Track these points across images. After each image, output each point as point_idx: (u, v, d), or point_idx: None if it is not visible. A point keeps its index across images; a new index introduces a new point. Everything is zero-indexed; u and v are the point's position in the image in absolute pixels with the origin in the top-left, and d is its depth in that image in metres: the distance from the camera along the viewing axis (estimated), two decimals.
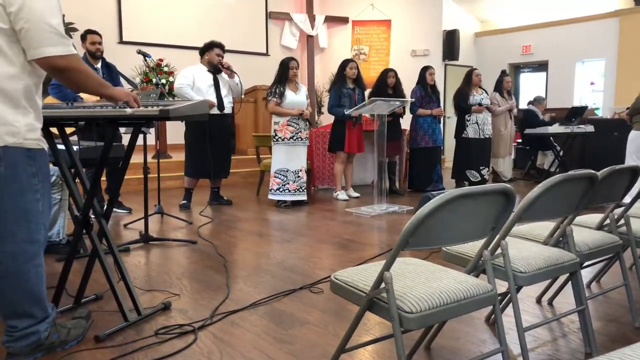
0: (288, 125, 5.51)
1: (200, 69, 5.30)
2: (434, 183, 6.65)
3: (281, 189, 5.56)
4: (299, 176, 5.59)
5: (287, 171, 5.55)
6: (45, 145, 1.98)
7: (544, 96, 8.90)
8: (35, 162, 1.92)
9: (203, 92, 5.19)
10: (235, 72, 5.36)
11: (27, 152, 1.89)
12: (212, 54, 5.27)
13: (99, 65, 4.91)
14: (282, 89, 5.48)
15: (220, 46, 5.33)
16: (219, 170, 5.50)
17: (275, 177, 5.58)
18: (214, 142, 5.28)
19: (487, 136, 7.01)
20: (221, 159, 5.45)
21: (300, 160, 5.63)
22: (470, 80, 6.95)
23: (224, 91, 5.33)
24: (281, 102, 5.48)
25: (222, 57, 5.33)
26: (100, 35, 4.93)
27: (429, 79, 6.60)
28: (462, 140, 6.92)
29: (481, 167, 6.95)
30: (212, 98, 5.20)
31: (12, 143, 1.84)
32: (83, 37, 4.91)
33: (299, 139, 5.57)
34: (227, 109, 5.39)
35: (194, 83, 5.19)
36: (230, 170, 5.70)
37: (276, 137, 5.56)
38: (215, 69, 5.29)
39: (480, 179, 6.90)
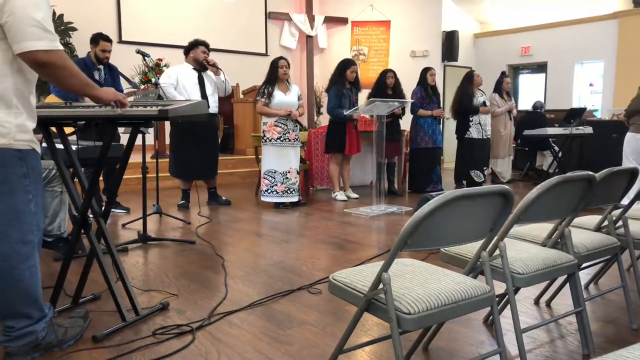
0: (275, 125, 5.45)
1: (185, 68, 5.29)
2: (433, 184, 6.66)
3: (269, 190, 5.52)
4: (287, 177, 5.53)
5: (275, 172, 5.50)
6: (37, 146, 1.95)
7: (542, 100, 8.95)
8: (27, 163, 1.89)
9: (188, 91, 5.17)
10: (220, 69, 5.36)
11: (18, 153, 1.86)
12: (197, 52, 5.26)
13: (101, 66, 4.92)
14: (270, 88, 5.43)
15: (205, 44, 5.33)
16: (204, 170, 5.45)
17: (264, 177, 5.54)
18: (198, 142, 5.25)
19: (487, 136, 7.10)
20: (207, 160, 5.40)
21: (289, 161, 5.54)
22: (472, 82, 6.97)
23: (209, 90, 5.30)
24: (269, 102, 5.43)
25: (208, 54, 5.33)
26: (111, 42, 4.96)
27: (430, 79, 6.61)
28: (466, 141, 6.94)
29: (484, 168, 7.01)
30: (197, 97, 5.14)
31: (1, 144, 1.82)
32: (94, 41, 4.90)
33: (287, 140, 5.49)
34: (213, 109, 5.31)
35: (177, 82, 5.17)
36: (230, 170, 5.69)
37: (264, 138, 5.51)
38: (201, 67, 5.27)
39: (483, 179, 6.96)
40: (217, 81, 5.39)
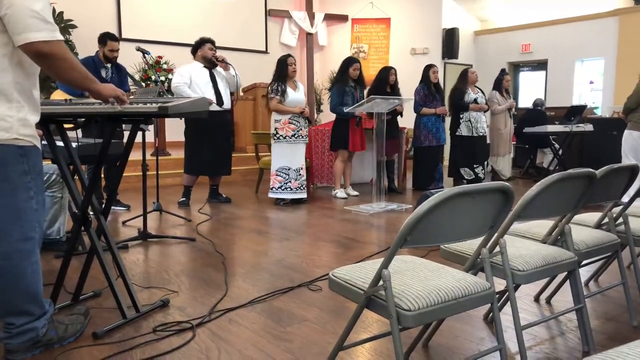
0: (290, 123, 5.49)
1: (196, 66, 5.31)
2: (435, 182, 6.64)
3: (283, 187, 5.55)
4: (300, 174, 5.59)
5: (289, 169, 5.54)
6: (37, 142, 1.94)
7: (542, 98, 8.94)
8: (28, 160, 1.89)
9: (201, 89, 5.20)
10: (230, 64, 5.38)
11: (19, 150, 1.86)
12: (204, 50, 5.29)
13: (109, 65, 4.96)
14: (283, 86, 5.47)
15: (210, 41, 5.36)
16: (219, 167, 5.50)
17: (277, 175, 5.56)
18: (213, 138, 5.28)
19: (480, 134, 6.95)
20: (222, 156, 5.45)
21: (301, 158, 5.63)
22: (465, 79, 6.93)
23: (221, 86, 5.34)
24: (284, 99, 5.47)
25: (215, 51, 5.35)
26: (119, 42, 5.01)
27: (433, 77, 6.58)
28: (456, 138, 6.88)
29: (475, 165, 6.92)
30: (211, 94, 5.20)
31: (3, 140, 1.81)
32: (102, 41, 4.93)
33: (300, 137, 5.56)
34: (226, 104, 5.39)
35: (191, 81, 5.20)
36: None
37: (277, 135, 5.54)
38: (211, 64, 5.31)
39: (474, 177, 6.89)
40: (228, 76, 5.42)
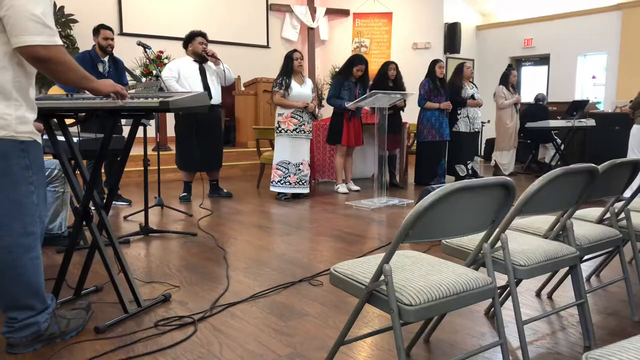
0: (292, 117, 5.49)
1: (186, 61, 5.31)
2: (438, 177, 6.62)
3: (282, 181, 5.56)
4: (299, 169, 5.58)
5: (288, 163, 5.54)
6: (37, 137, 1.95)
7: (544, 93, 8.90)
8: (29, 155, 1.89)
9: (190, 83, 5.18)
10: (219, 59, 5.36)
11: (20, 145, 1.86)
12: (195, 44, 5.27)
13: (106, 59, 4.95)
14: (287, 80, 5.47)
15: (202, 35, 5.33)
16: (209, 163, 5.49)
17: (277, 169, 5.58)
18: (202, 134, 5.27)
19: (476, 130, 6.98)
20: (211, 151, 5.44)
21: (303, 153, 5.62)
22: (461, 74, 6.90)
23: (211, 81, 5.31)
24: (287, 94, 5.46)
25: (206, 45, 5.33)
26: (113, 31, 4.99)
27: (439, 72, 6.55)
28: (453, 135, 6.77)
29: (468, 162, 6.91)
30: (199, 88, 5.14)
31: (2, 136, 1.82)
32: (96, 31, 4.92)
33: (302, 132, 5.55)
34: (215, 100, 5.35)
35: (179, 75, 5.19)
36: (231, 163, 5.69)
37: (279, 129, 5.54)
38: (201, 58, 5.29)
39: (466, 173, 6.88)
40: (218, 71, 5.40)
